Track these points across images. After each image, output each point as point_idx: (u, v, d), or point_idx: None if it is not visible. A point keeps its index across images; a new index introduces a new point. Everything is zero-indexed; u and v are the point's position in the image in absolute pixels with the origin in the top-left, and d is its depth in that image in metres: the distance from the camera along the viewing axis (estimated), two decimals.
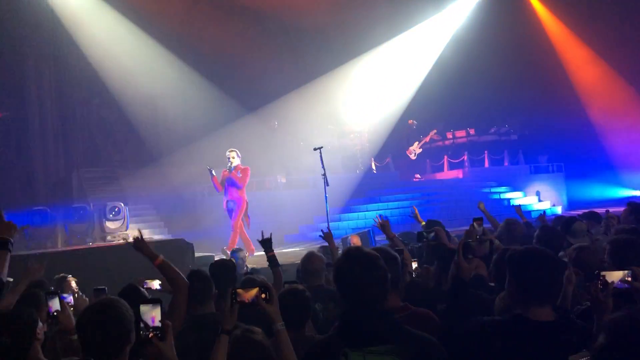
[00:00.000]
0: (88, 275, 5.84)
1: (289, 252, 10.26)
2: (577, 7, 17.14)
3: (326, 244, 4.99)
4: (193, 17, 14.38)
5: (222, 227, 12.04)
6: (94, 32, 13.06)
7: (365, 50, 17.32)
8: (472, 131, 18.55)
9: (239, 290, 2.48)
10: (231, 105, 15.18)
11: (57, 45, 12.98)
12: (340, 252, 4.92)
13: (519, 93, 18.37)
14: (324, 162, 9.62)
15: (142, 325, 2.29)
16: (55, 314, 3.44)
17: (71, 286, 4.75)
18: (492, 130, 18.73)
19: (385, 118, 17.56)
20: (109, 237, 8.94)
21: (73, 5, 12.73)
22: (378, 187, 15.75)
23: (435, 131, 17.80)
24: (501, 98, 18.30)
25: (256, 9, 15.23)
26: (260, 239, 4.50)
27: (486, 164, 17.75)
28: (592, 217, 6.26)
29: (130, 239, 3.72)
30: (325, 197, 9.60)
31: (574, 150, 17.86)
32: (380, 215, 5.47)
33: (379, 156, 17.64)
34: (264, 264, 7.93)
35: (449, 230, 5.78)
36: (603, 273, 2.56)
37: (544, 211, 10.43)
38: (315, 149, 9.75)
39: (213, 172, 9.67)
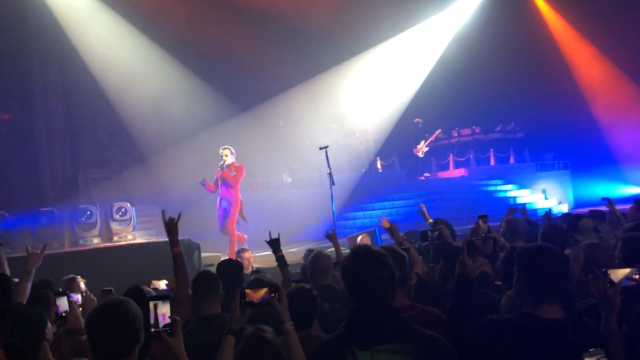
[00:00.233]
0: (95, 275, 5.86)
1: (295, 252, 10.26)
2: (580, 5, 17.08)
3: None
4: (195, 18, 14.40)
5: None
6: (97, 34, 13.11)
7: (369, 49, 17.28)
8: (477, 129, 18.51)
9: (248, 291, 2.48)
10: (235, 106, 15.21)
11: (63, 48, 13.02)
12: (346, 251, 4.94)
13: (524, 91, 18.31)
14: (330, 162, 9.62)
15: (151, 321, 2.30)
16: (63, 314, 3.46)
17: (80, 287, 4.77)
18: (498, 128, 18.69)
19: (390, 117, 17.53)
20: (115, 238, 8.96)
21: (76, 8, 12.79)
22: (384, 186, 15.75)
23: (440, 130, 17.77)
24: (506, 96, 18.25)
25: (258, 10, 15.23)
26: (267, 239, 4.50)
27: (492, 162, 17.73)
28: (598, 215, 6.26)
29: (168, 218, 3.75)
30: (332, 196, 9.60)
31: (580, 148, 17.81)
32: (383, 215, 5.49)
33: (385, 155, 17.63)
34: (267, 263, 7.98)
35: (454, 228, 5.79)
36: (610, 270, 2.55)
37: (550, 209, 10.40)
38: (321, 148, 9.77)
39: (205, 181, 9.41)
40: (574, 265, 3.10)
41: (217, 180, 9.45)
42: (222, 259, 8.07)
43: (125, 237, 8.96)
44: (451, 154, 17.85)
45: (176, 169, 12.17)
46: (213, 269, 4.14)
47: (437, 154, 18.09)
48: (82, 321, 3.55)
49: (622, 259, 3.34)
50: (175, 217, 3.80)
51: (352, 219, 13.77)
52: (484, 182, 16.42)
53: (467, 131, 18.50)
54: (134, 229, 9.14)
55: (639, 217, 5.56)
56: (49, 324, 2.93)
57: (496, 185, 16.30)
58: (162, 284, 4.51)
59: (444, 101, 17.90)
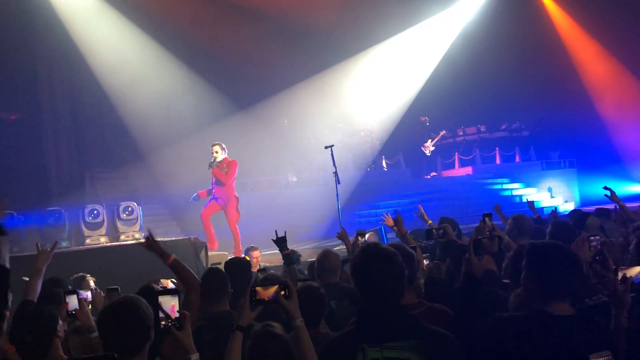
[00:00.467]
0: (102, 274, 5.88)
1: (301, 250, 10.27)
2: (586, 2, 17.02)
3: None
4: (199, 17, 14.42)
5: (238, 226, 12.10)
6: (102, 33, 13.17)
7: (374, 46, 17.24)
8: (483, 128, 18.50)
9: (258, 288, 2.49)
10: (240, 104, 15.23)
11: (68, 48, 13.08)
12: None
13: (529, 89, 18.28)
14: (335, 160, 9.61)
15: (161, 315, 2.32)
16: (73, 312, 3.48)
17: (90, 286, 4.80)
18: (503, 127, 18.67)
19: (395, 115, 17.52)
20: (122, 237, 9.00)
21: (81, 8, 12.85)
22: (389, 184, 15.75)
23: (444, 132, 17.78)
24: (512, 94, 18.22)
25: (262, 8, 15.26)
26: (274, 238, 4.52)
27: (497, 161, 17.71)
28: (604, 213, 6.25)
29: (142, 239, 3.73)
30: (337, 195, 9.60)
31: (585, 146, 17.76)
32: (385, 214, 5.49)
33: (390, 154, 17.62)
34: (273, 262, 8.00)
35: (460, 227, 5.80)
36: (622, 268, 2.55)
37: (556, 207, 10.38)
38: (326, 147, 9.76)
39: (198, 195, 9.12)
40: (581, 252, 3.09)
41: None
42: (229, 258, 8.12)
43: (132, 236, 8.99)
44: (456, 153, 17.83)
45: (182, 168, 12.19)
46: (220, 268, 4.16)
47: (443, 152, 18.08)
48: (92, 319, 3.59)
49: (636, 256, 3.32)
50: (152, 233, 3.74)
51: (357, 217, 13.78)
52: (490, 181, 16.40)
53: (472, 130, 18.48)
54: (140, 228, 9.17)
55: None
56: (60, 322, 2.95)
57: (502, 183, 16.28)
58: (170, 283, 4.53)
59: (449, 100, 17.87)
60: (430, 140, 17.59)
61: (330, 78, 16.57)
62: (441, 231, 4.48)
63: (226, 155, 9.02)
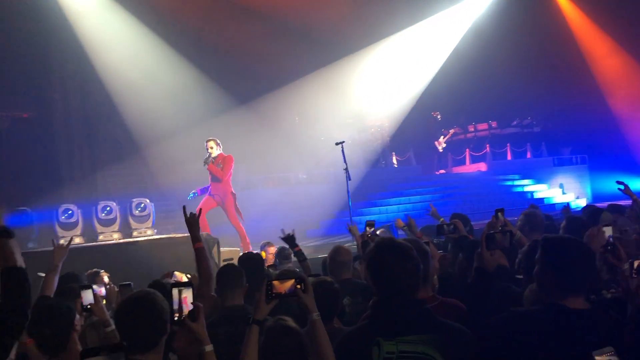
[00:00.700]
0: (115, 270, 5.94)
1: (311, 247, 10.31)
2: None
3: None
4: (209, 16, 14.45)
5: (248, 222, 12.15)
6: (111, 31, 13.26)
7: (383, 41, 17.14)
8: (494, 124, 18.43)
9: (274, 282, 2.51)
10: (251, 101, 15.26)
11: (80, 46, 13.17)
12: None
13: (541, 85, 18.15)
14: (346, 157, 9.61)
15: (175, 307, 2.34)
16: (88, 306, 3.53)
17: (104, 281, 4.85)
18: (515, 123, 18.58)
19: (405, 111, 17.49)
20: (135, 233, 9.05)
21: (89, 7, 12.97)
22: (400, 181, 15.74)
23: (455, 130, 17.75)
24: (523, 90, 18.10)
25: (272, 3, 15.27)
26: (282, 236, 4.54)
27: (509, 157, 17.64)
28: (617, 209, 6.21)
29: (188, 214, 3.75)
30: (348, 191, 9.61)
31: (597, 142, 17.61)
32: (398, 219, 5.50)
33: (400, 150, 17.59)
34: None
35: (471, 223, 5.77)
36: (637, 261, 2.53)
37: (568, 203, 10.34)
38: (337, 144, 9.76)
39: (196, 193, 9.03)
40: (593, 244, 3.08)
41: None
42: (243, 253, 8.14)
43: (145, 232, 9.04)
44: (467, 149, 17.77)
45: (194, 164, 12.23)
46: (234, 263, 4.19)
47: (453, 149, 18.03)
48: (107, 313, 3.63)
49: None
50: (196, 213, 3.82)
51: (367, 214, 13.77)
52: (501, 177, 16.34)
53: (483, 126, 18.43)
54: (153, 224, 9.22)
55: None
56: (77, 316, 3.00)
57: (513, 180, 16.21)
58: (184, 278, 4.57)
59: (460, 95, 17.79)
60: (442, 137, 17.57)
61: (340, 74, 16.55)
62: (452, 227, 4.46)
63: (221, 151, 8.90)
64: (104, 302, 3.79)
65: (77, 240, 8.48)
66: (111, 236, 8.95)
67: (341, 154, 9.64)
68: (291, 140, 15.46)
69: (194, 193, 9.06)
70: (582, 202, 15.09)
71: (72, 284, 3.84)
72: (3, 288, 2.30)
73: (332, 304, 3.25)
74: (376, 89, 17.22)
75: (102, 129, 13.82)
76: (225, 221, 10.11)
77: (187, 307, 2.40)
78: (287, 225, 4.66)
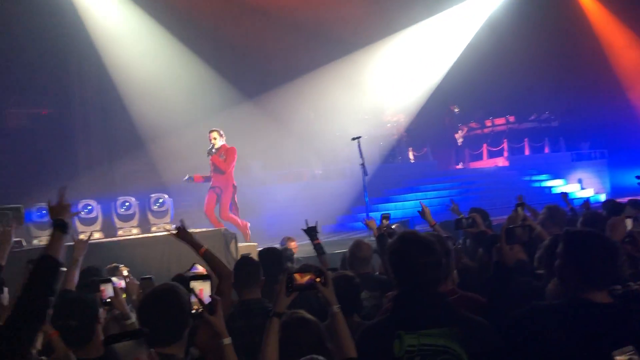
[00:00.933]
0: (134, 264, 6.00)
1: (328, 242, 10.31)
2: None
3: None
4: (221, 14, 14.51)
5: (265, 218, 12.20)
6: (126, 30, 13.40)
7: (399, 34, 17.03)
8: (511, 118, 18.26)
9: (295, 275, 2.53)
10: (266, 97, 15.28)
11: (98, 44, 13.31)
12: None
13: (559, 78, 17.95)
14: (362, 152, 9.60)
15: (193, 300, 2.35)
16: (109, 300, 3.57)
17: (123, 275, 4.90)
18: (532, 117, 18.41)
19: (422, 106, 17.42)
20: (153, 228, 9.14)
21: (104, 6, 13.12)
22: (416, 176, 15.68)
23: (466, 129, 17.66)
24: (541, 84, 17.93)
25: (285, 1, 15.30)
26: (304, 227, 4.56)
27: (526, 152, 17.50)
28: (637, 205, 6.13)
29: (173, 229, 3.77)
30: (365, 187, 9.60)
31: (617, 136, 17.39)
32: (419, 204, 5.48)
33: (417, 145, 17.52)
34: (300, 253, 8.02)
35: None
36: None
37: (588, 198, 10.22)
38: (353, 139, 9.74)
39: (192, 177, 8.84)
40: (614, 233, 3.05)
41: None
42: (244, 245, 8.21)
43: (163, 227, 9.12)
44: (484, 144, 17.66)
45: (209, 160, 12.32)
46: (252, 256, 4.21)
47: (471, 144, 17.92)
48: (127, 306, 3.68)
49: None
50: (184, 224, 3.77)
51: (384, 209, 13.75)
52: (519, 173, 16.21)
53: (500, 120, 18.27)
54: (171, 219, 9.29)
55: None
56: (101, 308, 3.04)
57: (531, 175, 16.08)
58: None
59: (477, 90, 17.65)
60: (460, 132, 17.48)
61: (355, 68, 16.50)
62: (470, 220, 4.44)
63: (225, 142, 8.70)
64: (124, 295, 3.84)
65: (97, 236, 8.57)
66: (130, 231, 9.03)
67: (357, 149, 9.63)
68: (307, 136, 15.47)
69: (190, 177, 8.83)
70: (602, 198, 14.92)
71: (93, 278, 3.89)
72: (33, 272, 2.38)
73: (353, 298, 3.27)
74: (392, 83, 17.14)
75: (120, 125, 13.92)
76: (242, 217, 10.14)
77: (205, 300, 2.42)
78: (303, 220, 4.66)
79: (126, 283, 4.08)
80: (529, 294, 3.17)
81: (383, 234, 4.22)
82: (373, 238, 5.06)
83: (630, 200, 6.47)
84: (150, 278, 4.43)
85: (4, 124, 14.09)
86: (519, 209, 4.35)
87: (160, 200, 9.30)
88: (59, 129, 13.84)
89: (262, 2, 14.98)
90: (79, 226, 8.87)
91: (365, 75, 16.62)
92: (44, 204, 9.04)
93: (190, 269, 4.66)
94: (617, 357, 2.04)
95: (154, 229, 9.10)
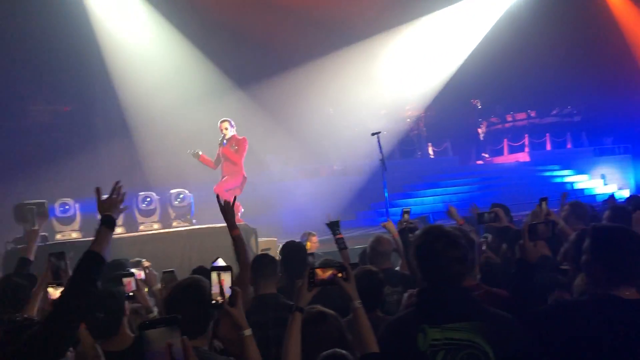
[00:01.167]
0: (156, 259, 6.07)
1: (347, 238, 10.27)
2: None
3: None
4: (241, 10, 14.56)
5: (284, 214, 12.24)
6: (146, 28, 13.56)
7: (418, 24, 16.90)
8: (533, 113, 18.08)
9: (317, 270, 2.52)
10: (285, 94, 15.30)
11: (113, 41, 13.48)
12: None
13: (581, 72, 17.63)
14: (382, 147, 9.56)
15: (214, 292, 2.35)
16: (131, 293, 3.61)
17: (143, 267, 4.95)
18: (554, 112, 18.19)
19: (442, 101, 17.29)
20: (174, 223, 9.21)
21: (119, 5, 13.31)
22: (436, 172, 15.61)
23: (486, 124, 17.50)
24: (563, 78, 17.64)
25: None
26: (327, 222, 4.57)
27: (548, 147, 17.32)
28: None
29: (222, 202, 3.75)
30: (384, 182, 9.56)
31: None
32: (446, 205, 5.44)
33: (437, 140, 17.41)
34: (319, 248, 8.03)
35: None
36: None
37: (613, 194, 10.09)
38: (373, 134, 9.69)
39: (199, 152, 8.63)
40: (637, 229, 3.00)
41: (217, 156, 8.66)
42: (287, 241, 8.18)
43: (184, 222, 9.20)
44: (505, 139, 17.50)
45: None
46: (269, 253, 4.24)
47: (491, 139, 17.77)
48: (149, 300, 3.72)
49: None
50: (230, 201, 3.84)
51: (403, 205, 13.67)
52: (540, 168, 16.05)
53: (521, 115, 18.11)
54: (192, 214, 9.35)
55: None
56: (126, 301, 3.08)
57: (552, 170, 15.91)
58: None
59: (498, 84, 17.47)
60: (482, 126, 17.35)
61: (374, 63, 16.44)
62: (493, 214, 4.39)
63: (235, 132, 8.62)
64: (146, 290, 3.89)
65: (119, 230, 8.66)
66: (151, 226, 9.11)
67: (377, 144, 9.60)
68: (326, 131, 15.47)
69: (197, 152, 8.66)
70: (625, 194, 14.70)
71: (117, 272, 3.93)
72: (77, 268, 2.40)
73: (377, 293, 3.27)
74: (411, 77, 17.01)
75: (140, 122, 14.03)
76: (261, 212, 10.18)
77: (225, 291, 2.42)
78: (322, 215, 4.67)
79: (145, 274, 4.12)
80: (554, 289, 3.14)
81: (405, 229, 4.20)
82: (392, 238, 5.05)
83: None
84: (172, 271, 4.48)
85: (27, 121, 14.30)
86: (543, 203, 4.29)
87: (181, 196, 9.36)
88: (81, 124, 14.00)
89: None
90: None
91: (382, 69, 16.53)
92: (67, 200, 9.25)
93: (212, 263, 4.70)
94: None
95: (174, 224, 9.17)
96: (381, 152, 9.49)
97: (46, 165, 12.51)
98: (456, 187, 14.60)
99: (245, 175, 8.64)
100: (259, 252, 7.16)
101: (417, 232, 2.54)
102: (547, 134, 17.31)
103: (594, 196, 13.96)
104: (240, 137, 8.57)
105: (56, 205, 9.03)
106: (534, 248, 2.84)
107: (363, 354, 2.41)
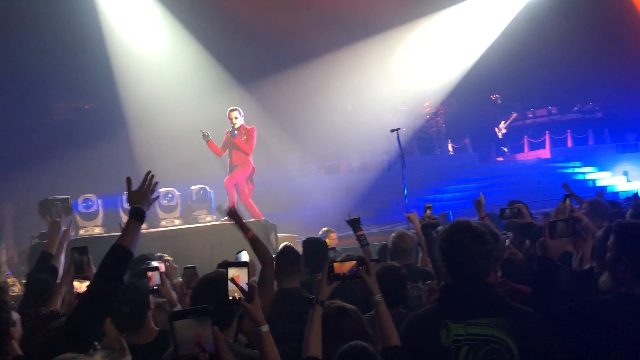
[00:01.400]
0: (177, 254, 6.12)
1: (365, 235, 10.26)
2: None
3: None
4: (261, 10, 14.62)
5: (302, 210, 12.26)
6: (162, 28, 13.71)
7: (439, 19, 16.76)
8: (553, 109, 17.86)
9: (336, 264, 2.53)
10: (303, 91, 15.31)
11: (134, 39, 13.63)
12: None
13: (603, 67, 17.36)
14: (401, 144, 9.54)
15: (230, 288, 2.34)
16: (156, 287, 3.66)
17: (163, 260, 5.00)
18: (576, 108, 17.96)
19: (461, 97, 17.16)
20: (198, 218, 9.30)
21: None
22: (455, 169, 15.50)
23: (515, 115, 17.28)
24: (584, 74, 17.40)
25: None
26: (347, 219, 4.58)
27: (569, 144, 17.09)
28: None
29: (227, 208, 3.83)
30: (404, 179, 9.54)
31: None
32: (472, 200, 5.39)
33: (456, 137, 17.29)
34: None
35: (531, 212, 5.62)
36: None
37: (637, 192, 9.95)
38: (392, 131, 9.70)
39: (209, 135, 8.46)
40: None
41: (225, 144, 8.57)
42: (308, 237, 8.19)
43: (204, 218, 9.26)
44: (525, 136, 17.32)
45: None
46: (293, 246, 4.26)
47: (511, 136, 17.60)
48: (173, 294, 3.76)
49: None
50: (236, 208, 3.85)
51: (423, 202, 13.60)
52: (561, 165, 15.87)
53: (542, 112, 17.91)
54: (212, 210, 9.42)
55: None
56: (151, 295, 3.12)
57: (574, 167, 15.71)
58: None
59: (518, 80, 17.29)
60: (503, 122, 17.14)
61: (393, 60, 16.37)
62: (515, 210, 4.34)
63: (243, 122, 8.53)
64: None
65: (97, 231, 8.84)
66: (173, 222, 9.20)
67: (396, 141, 9.59)
68: (344, 128, 15.45)
69: (207, 135, 8.52)
70: None
71: (142, 267, 3.98)
72: (104, 261, 2.38)
73: (400, 289, 3.27)
74: (430, 72, 16.89)
75: (160, 119, 14.15)
76: (281, 209, 10.21)
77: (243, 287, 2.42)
78: (340, 213, 4.68)
79: (166, 267, 4.16)
80: (577, 286, 3.11)
81: (427, 225, 4.18)
82: (414, 231, 5.05)
83: None
84: (193, 267, 4.52)
85: (50, 118, 14.52)
86: (567, 200, 4.23)
87: (202, 192, 9.44)
88: (102, 121, 14.16)
89: None
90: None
91: (401, 64, 16.44)
92: (90, 195, 9.38)
93: (236, 255, 4.76)
94: None
95: (198, 219, 9.25)
96: (400, 148, 9.48)
97: (69, 161, 12.69)
98: (476, 183, 14.49)
99: (254, 166, 8.62)
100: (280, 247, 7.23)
101: (444, 227, 2.53)
102: (568, 131, 17.10)
103: (616, 193, 13.74)
104: (249, 127, 8.52)
105: (79, 201, 9.15)
106: (555, 245, 2.81)
107: (385, 347, 2.42)
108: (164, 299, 3.71)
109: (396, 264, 3.52)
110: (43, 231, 7.82)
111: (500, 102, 17.25)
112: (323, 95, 15.50)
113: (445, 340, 2.28)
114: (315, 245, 4.25)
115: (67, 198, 7.94)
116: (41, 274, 3.90)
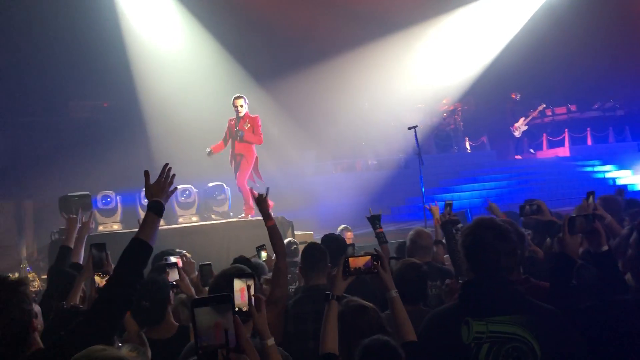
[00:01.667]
0: (194, 251, 6.14)
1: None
2: None
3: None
4: (280, 8, 14.62)
5: (318, 208, 12.26)
6: (181, 27, 13.80)
7: (456, 16, 16.64)
8: (573, 107, 17.65)
9: (351, 259, 2.52)
10: (319, 89, 15.30)
11: (153, 37, 13.72)
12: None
13: (623, 65, 17.12)
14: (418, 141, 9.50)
15: (236, 300, 2.27)
16: (175, 282, 3.67)
17: (180, 255, 5.02)
18: (596, 106, 17.72)
19: (479, 94, 17.01)
20: (212, 216, 9.33)
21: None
22: (473, 167, 15.40)
23: (544, 105, 17.02)
24: (604, 71, 17.16)
25: None
26: (368, 215, 4.57)
27: (589, 142, 16.88)
28: None
29: (257, 195, 3.86)
30: (421, 177, 9.50)
31: None
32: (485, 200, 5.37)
33: (474, 135, 17.16)
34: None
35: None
36: None
37: None
38: (409, 128, 9.68)
39: (212, 151, 8.64)
40: None
41: (226, 134, 8.57)
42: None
43: (222, 215, 9.31)
44: (544, 134, 17.14)
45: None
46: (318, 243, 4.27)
47: (530, 134, 17.42)
48: (193, 289, 3.77)
49: None
50: (264, 193, 3.88)
51: (440, 200, 13.52)
52: (580, 163, 15.68)
53: (562, 110, 17.69)
54: (229, 207, 9.46)
55: None
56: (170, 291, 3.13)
57: (594, 165, 15.52)
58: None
59: (537, 78, 17.11)
60: (522, 119, 16.89)
61: (410, 57, 16.27)
62: (535, 206, 4.27)
63: (248, 110, 8.43)
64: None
65: (115, 227, 8.92)
66: (190, 219, 9.24)
67: (414, 138, 9.56)
68: (361, 125, 15.42)
69: (210, 152, 8.67)
70: None
71: (161, 262, 4.00)
72: (123, 256, 2.36)
73: (421, 286, 3.25)
74: (448, 69, 16.77)
75: (178, 117, 14.23)
76: (297, 206, 10.19)
77: (243, 299, 2.36)
78: (357, 210, 4.67)
79: (183, 262, 4.18)
80: (598, 284, 3.06)
81: (448, 221, 4.15)
82: (431, 228, 5.02)
83: None
84: (209, 264, 4.52)
85: (68, 116, 14.66)
86: (590, 197, 4.16)
87: (219, 189, 9.48)
88: (120, 120, 14.27)
89: None
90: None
91: (419, 61, 16.33)
92: (108, 192, 9.46)
93: (257, 250, 4.80)
94: None
95: (213, 216, 9.29)
96: (418, 146, 9.44)
97: (87, 159, 12.81)
98: (494, 182, 14.39)
99: (257, 156, 8.59)
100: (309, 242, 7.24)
101: (467, 224, 2.50)
102: (588, 129, 16.89)
103: (637, 192, 13.56)
104: (253, 115, 8.45)
105: (98, 197, 9.24)
106: (574, 242, 2.76)
107: (402, 342, 2.40)
108: (186, 296, 3.73)
109: (417, 261, 3.50)
110: (63, 227, 7.89)
111: (519, 99, 17.03)
112: (340, 93, 15.47)
113: (467, 337, 2.26)
114: (333, 242, 4.25)
115: (88, 194, 8.01)
116: (62, 269, 3.93)
